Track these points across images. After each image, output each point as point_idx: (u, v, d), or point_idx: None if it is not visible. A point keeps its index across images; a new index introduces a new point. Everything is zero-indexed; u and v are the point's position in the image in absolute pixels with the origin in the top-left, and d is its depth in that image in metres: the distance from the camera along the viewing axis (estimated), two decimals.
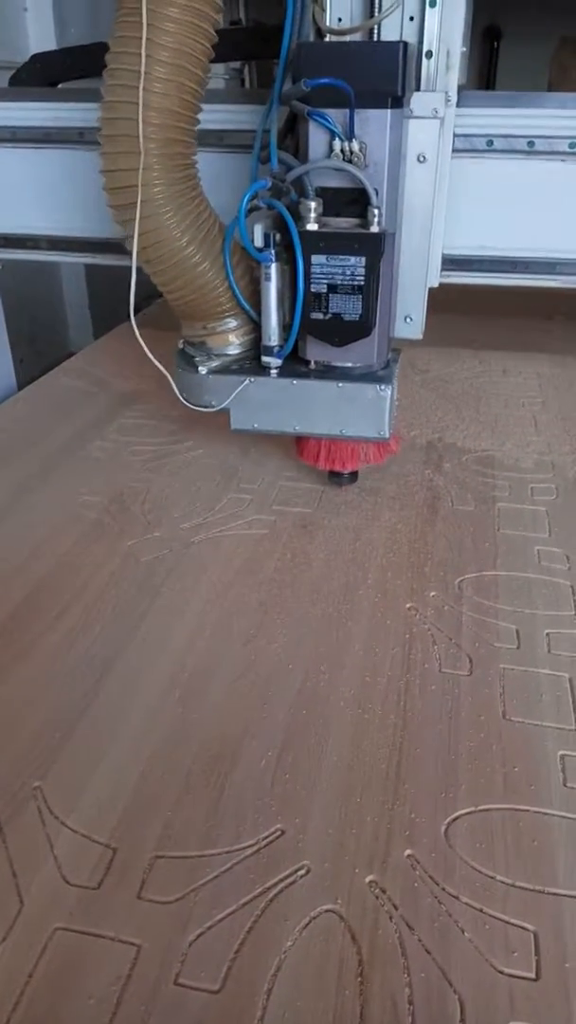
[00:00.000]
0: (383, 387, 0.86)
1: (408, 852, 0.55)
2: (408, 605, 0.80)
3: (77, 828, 0.56)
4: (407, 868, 0.54)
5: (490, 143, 0.93)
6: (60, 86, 1.20)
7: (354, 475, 1.00)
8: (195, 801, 0.58)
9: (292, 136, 0.84)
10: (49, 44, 1.83)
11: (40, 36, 1.79)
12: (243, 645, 0.74)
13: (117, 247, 1.09)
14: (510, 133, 0.93)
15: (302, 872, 0.53)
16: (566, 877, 0.53)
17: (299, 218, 0.79)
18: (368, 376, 0.87)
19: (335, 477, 1.00)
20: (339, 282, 0.80)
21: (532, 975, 0.48)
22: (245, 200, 0.79)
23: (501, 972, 0.48)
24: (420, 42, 0.82)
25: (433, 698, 0.68)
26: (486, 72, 3.54)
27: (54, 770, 0.61)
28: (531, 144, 0.93)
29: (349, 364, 0.88)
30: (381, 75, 0.75)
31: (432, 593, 0.82)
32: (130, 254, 0.80)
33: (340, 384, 0.86)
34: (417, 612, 0.79)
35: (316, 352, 0.88)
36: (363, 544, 0.90)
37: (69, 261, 1.23)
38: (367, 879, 0.53)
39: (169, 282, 0.85)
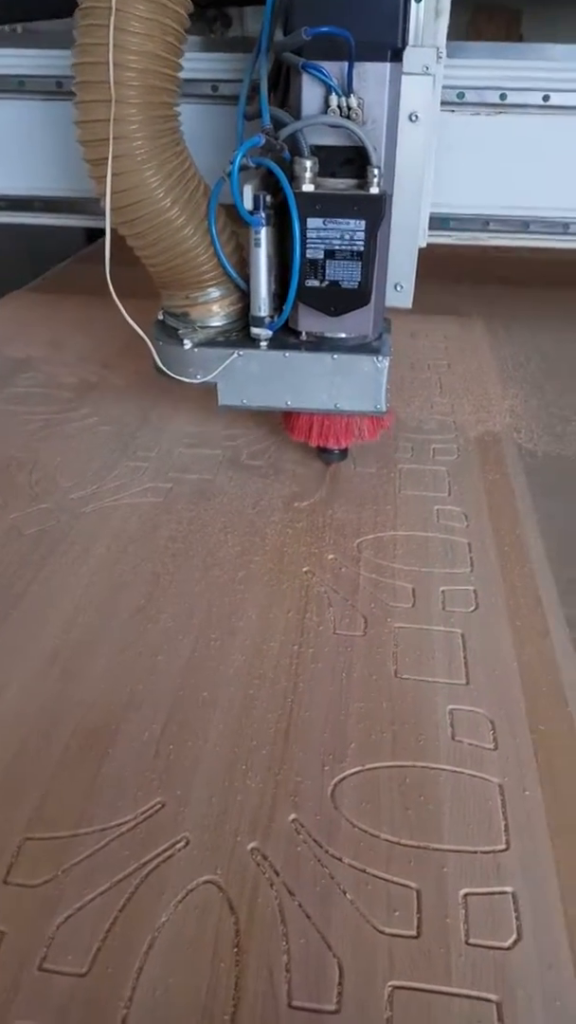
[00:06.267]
0: (380, 359, 0.81)
1: (292, 817, 0.53)
2: (305, 569, 0.79)
3: None
4: (291, 833, 0.52)
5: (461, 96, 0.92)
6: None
7: (344, 452, 0.95)
8: (71, 779, 0.55)
9: (277, 90, 0.78)
10: None
11: None
12: (131, 616, 0.71)
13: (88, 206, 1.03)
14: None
15: (181, 844, 0.51)
16: (451, 831, 0.52)
17: (293, 178, 0.73)
18: (363, 347, 0.83)
19: (325, 454, 0.95)
20: (337, 247, 0.74)
21: (413, 933, 0.47)
22: (238, 157, 0.72)
23: (382, 932, 0.47)
24: None
25: (326, 661, 0.67)
26: None
27: None
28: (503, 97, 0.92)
29: (343, 335, 0.83)
30: (381, 25, 0.70)
31: (330, 556, 0.81)
32: (103, 213, 0.73)
33: (335, 356, 0.81)
34: (314, 575, 0.78)
35: (308, 323, 0.82)
36: (262, 510, 0.88)
37: (32, 223, 1.16)
38: (249, 847, 0.51)
39: (149, 246, 0.78)
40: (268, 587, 0.76)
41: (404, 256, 0.84)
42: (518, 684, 0.64)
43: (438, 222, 0.98)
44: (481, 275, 1.75)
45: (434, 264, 1.81)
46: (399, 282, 0.86)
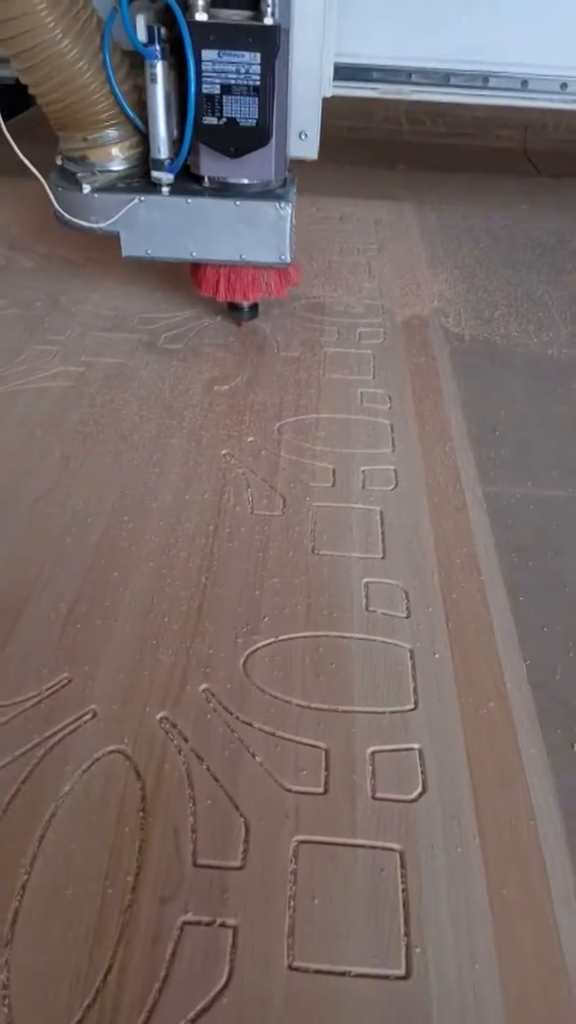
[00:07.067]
0: (283, 205, 0.80)
1: (204, 686, 0.52)
2: (224, 451, 0.76)
3: None
4: (201, 702, 0.51)
5: None
6: None
7: (254, 308, 0.94)
8: None
9: None
10: None
11: None
12: (37, 500, 0.68)
13: None
14: None
15: (88, 717, 0.50)
16: (360, 694, 0.52)
17: (186, 8, 0.69)
18: (267, 194, 0.81)
19: (235, 312, 0.94)
20: (233, 82, 0.72)
21: (320, 790, 0.47)
22: None
23: (289, 791, 0.47)
24: None
25: (243, 540, 0.65)
26: None
27: None
28: None
29: (246, 180, 0.80)
30: None
31: (250, 438, 0.78)
32: None
33: (238, 202, 0.79)
34: (233, 457, 0.75)
35: (211, 166, 0.79)
36: (180, 393, 0.84)
37: None
38: (158, 716, 0.50)
39: (42, 81, 0.74)
40: (184, 469, 0.73)
41: (308, 104, 0.82)
42: (433, 556, 0.64)
43: (362, 72, 0.92)
44: (415, 161, 1.68)
45: (369, 150, 1.73)
46: (304, 130, 0.84)
